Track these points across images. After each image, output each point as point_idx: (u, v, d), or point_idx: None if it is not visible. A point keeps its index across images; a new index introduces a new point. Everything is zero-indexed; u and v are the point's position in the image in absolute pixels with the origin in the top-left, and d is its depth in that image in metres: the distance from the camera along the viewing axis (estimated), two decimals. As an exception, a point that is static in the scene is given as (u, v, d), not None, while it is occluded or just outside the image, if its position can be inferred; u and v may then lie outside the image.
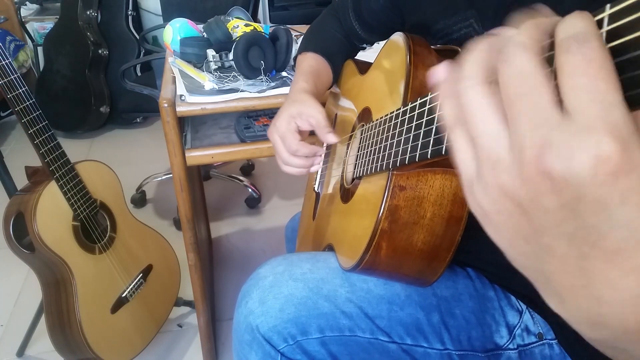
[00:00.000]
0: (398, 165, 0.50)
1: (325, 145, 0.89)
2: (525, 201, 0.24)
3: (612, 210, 0.21)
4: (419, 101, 0.46)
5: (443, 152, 0.39)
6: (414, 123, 0.46)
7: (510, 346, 0.67)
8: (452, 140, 0.28)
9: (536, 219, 0.24)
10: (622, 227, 0.22)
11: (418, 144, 0.44)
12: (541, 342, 0.67)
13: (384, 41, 0.69)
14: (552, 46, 0.24)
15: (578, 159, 0.21)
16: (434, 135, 0.41)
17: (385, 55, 0.69)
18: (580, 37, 0.22)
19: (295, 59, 0.92)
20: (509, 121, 0.24)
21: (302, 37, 0.94)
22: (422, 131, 0.44)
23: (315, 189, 0.92)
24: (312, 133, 0.77)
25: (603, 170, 0.20)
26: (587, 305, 0.24)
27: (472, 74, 0.26)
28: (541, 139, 0.22)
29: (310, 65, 0.85)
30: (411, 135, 0.46)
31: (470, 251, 0.67)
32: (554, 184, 0.22)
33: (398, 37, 0.62)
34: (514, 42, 0.24)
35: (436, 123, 0.41)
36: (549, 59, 0.24)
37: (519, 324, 0.68)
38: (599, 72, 0.21)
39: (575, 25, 0.22)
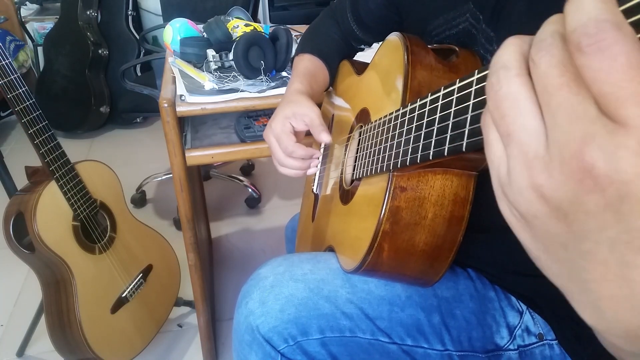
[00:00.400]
0: (399, 166, 0.49)
1: (322, 146, 0.89)
2: (565, 203, 0.22)
3: None
4: (418, 102, 0.46)
5: (445, 154, 0.39)
6: (415, 124, 0.46)
7: (511, 347, 0.67)
8: (485, 135, 0.26)
9: (576, 223, 0.22)
10: None
11: (419, 145, 0.44)
12: (541, 342, 0.67)
13: (382, 42, 0.69)
14: None
15: (622, 155, 0.19)
16: (435, 136, 0.40)
17: (382, 55, 0.68)
18: (590, 29, 0.20)
19: (292, 59, 0.93)
20: (545, 115, 0.22)
21: (300, 38, 0.94)
22: (422, 132, 0.44)
23: (314, 190, 0.92)
24: (308, 134, 0.77)
25: None
26: (628, 318, 0.22)
27: (511, 64, 0.24)
28: (582, 132, 0.20)
29: (305, 67, 0.85)
30: (412, 136, 0.46)
31: (470, 253, 0.67)
32: (597, 181, 0.20)
33: (395, 37, 0.62)
34: (551, 33, 0.22)
35: (437, 125, 0.41)
36: None
37: (519, 325, 0.68)
38: (627, 72, 0.19)
39: (584, 9, 0.20)
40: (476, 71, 0.35)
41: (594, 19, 0.19)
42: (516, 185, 0.23)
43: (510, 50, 0.25)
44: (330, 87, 0.93)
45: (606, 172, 0.20)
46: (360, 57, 0.93)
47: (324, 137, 0.72)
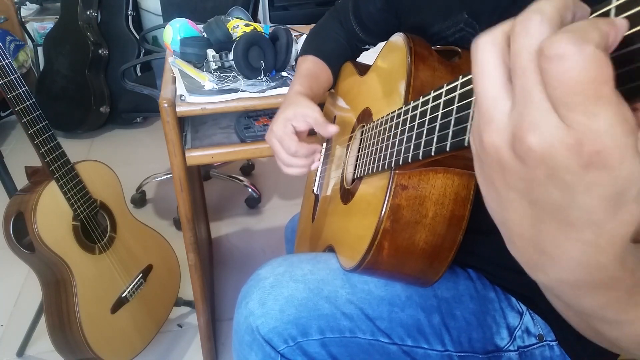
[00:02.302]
0: (401, 163, 0.49)
1: (324, 147, 0.89)
2: (505, 162, 0.26)
3: (575, 195, 0.24)
4: (421, 100, 0.46)
5: (447, 149, 0.39)
6: (417, 121, 0.46)
7: (511, 347, 0.67)
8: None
9: (509, 178, 0.27)
10: (580, 209, 0.25)
11: (421, 142, 0.44)
12: (541, 343, 0.67)
13: (385, 43, 0.69)
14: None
15: (557, 148, 0.23)
16: (438, 132, 0.41)
17: (385, 56, 0.69)
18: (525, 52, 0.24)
19: (296, 60, 0.93)
20: (513, 90, 0.25)
21: (304, 39, 0.94)
22: (425, 129, 0.44)
23: (314, 191, 0.92)
24: (310, 133, 0.77)
25: (578, 163, 0.23)
26: (531, 253, 0.29)
27: (492, 33, 0.27)
28: (533, 119, 0.24)
29: (307, 69, 0.85)
30: (414, 133, 0.46)
31: (471, 252, 0.67)
32: (534, 160, 0.24)
33: (398, 38, 0.62)
34: (536, 10, 0.24)
35: (439, 121, 0.41)
36: None
37: (519, 326, 0.68)
38: (577, 78, 0.22)
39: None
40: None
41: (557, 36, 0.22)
42: (478, 134, 0.28)
43: (503, 23, 0.28)
44: (333, 89, 0.93)
45: (541, 156, 0.24)
46: (363, 57, 0.93)
47: (331, 129, 0.73)
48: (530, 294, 0.68)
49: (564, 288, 0.30)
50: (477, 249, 0.68)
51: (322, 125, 0.73)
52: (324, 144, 0.90)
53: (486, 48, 0.27)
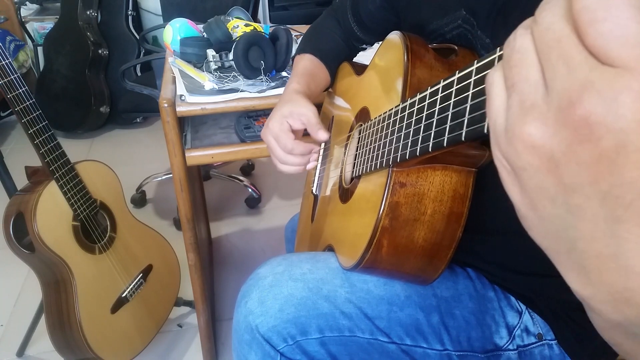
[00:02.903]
0: (399, 160, 0.50)
1: (322, 147, 0.89)
2: (557, 152, 0.21)
3: None
4: (418, 96, 0.46)
5: (444, 145, 0.39)
6: (414, 118, 0.46)
7: (510, 347, 0.67)
8: (488, 91, 0.26)
9: (567, 175, 0.21)
10: None
11: (418, 138, 0.44)
12: (541, 342, 0.67)
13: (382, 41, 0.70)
14: None
15: (622, 100, 0.19)
16: (435, 128, 0.41)
17: (383, 54, 0.69)
18: None
19: (293, 58, 0.93)
20: (546, 69, 0.22)
21: (302, 37, 0.94)
22: (422, 125, 0.44)
23: (314, 191, 0.92)
24: (305, 133, 0.77)
25: None
26: (614, 279, 0.22)
27: (529, 23, 0.24)
28: (582, 80, 0.20)
29: (304, 67, 0.85)
30: (411, 129, 0.47)
31: (470, 251, 0.67)
32: (593, 130, 0.20)
33: (395, 36, 0.62)
34: None
35: (436, 116, 0.41)
36: None
37: (518, 325, 0.68)
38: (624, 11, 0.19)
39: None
40: (475, 61, 0.35)
41: None
42: (509, 134, 0.23)
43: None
44: (330, 88, 0.93)
45: (604, 120, 0.19)
46: (360, 56, 0.93)
47: (322, 135, 0.73)
48: (530, 294, 0.68)
49: None
50: (477, 249, 0.68)
51: (314, 128, 0.73)
52: (322, 144, 0.90)
53: (526, 36, 0.23)
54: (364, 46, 0.91)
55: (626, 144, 0.19)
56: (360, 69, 0.81)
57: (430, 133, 0.41)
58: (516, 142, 0.23)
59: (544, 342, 0.67)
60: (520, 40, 0.24)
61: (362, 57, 0.91)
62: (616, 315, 0.23)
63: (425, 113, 0.43)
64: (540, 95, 0.22)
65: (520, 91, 0.23)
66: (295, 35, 1.21)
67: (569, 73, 0.20)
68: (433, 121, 0.41)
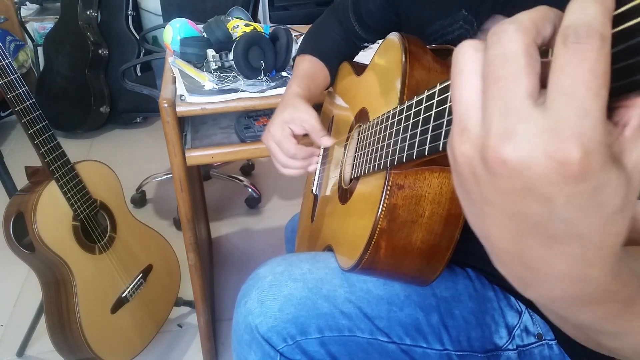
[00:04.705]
0: (396, 163, 0.50)
1: (322, 147, 0.89)
2: (479, 174, 0.25)
3: (556, 207, 0.23)
4: (415, 99, 0.46)
5: (440, 149, 0.39)
6: (411, 121, 0.46)
7: (510, 347, 0.67)
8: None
9: (485, 192, 0.25)
10: (561, 222, 0.23)
11: (415, 141, 0.44)
12: (540, 342, 0.67)
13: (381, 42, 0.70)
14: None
15: (536, 156, 0.22)
16: (431, 132, 0.41)
17: (381, 55, 0.69)
18: (581, 30, 0.21)
19: (294, 59, 0.93)
20: (483, 98, 0.24)
21: (302, 38, 0.94)
22: (418, 129, 0.44)
23: (313, 191, 0.92)
24: (306, 135, 0.77)
25: (558, 172, 0.21)
26: (519, 269, 0.27)
27: (476, 40, 0.26)
28: (506, 127, 0.22)
29: (304, 69, 0.85)
30: (408, 133, 0.47)
31: (469, 251, 0.67)
32: (509, 171, 0.23)
33: (393, 37, 0.62)
34: (512, 20, 0.23)
35: (432, 121, 0.41)
36: (548, 44, 0.24)
37: (518, 325, 0.68)
38: (585, 75, 0.21)
39: (585, 12, 0.21)
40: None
41: (586, 24, 0.21)
42: (451, 143, 0.27)
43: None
44: (331, 88, 0.93)
45: (517, 167, 0.22)
46: (361, 56, 0.93)
47: (326, 141, 0.73)
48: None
49: (557, 304, 0.28)
50: (476, 250, 0.68)
51: (317, 134, 0.74)
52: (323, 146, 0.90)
53: (467, 53, 0.26)
54: (366, 44, 0.91)
55: (533, 187, 0.23)
56: (360, 69, 0.81)
57: (427, 137, 0.41)
58: (455, 152, 0.26)
59: (543, 342, 0.67)
60: (462, 55, 0.26)
61: (363, 57, 0.91)
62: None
63: (422, 116, 0.43)
64: (473, 120, 0.25)
65: (454, 110, 0.26)
66: (295, 35, 1.21)
67: (499, 115, 0.23)
68: (429, 125, 0.41)
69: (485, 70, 0.24)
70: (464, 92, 0.25)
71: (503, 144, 0.22)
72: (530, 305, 0.69)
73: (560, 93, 0.21)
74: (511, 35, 0.23)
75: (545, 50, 0.24)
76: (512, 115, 0.22)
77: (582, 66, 0.21)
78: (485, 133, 0.23)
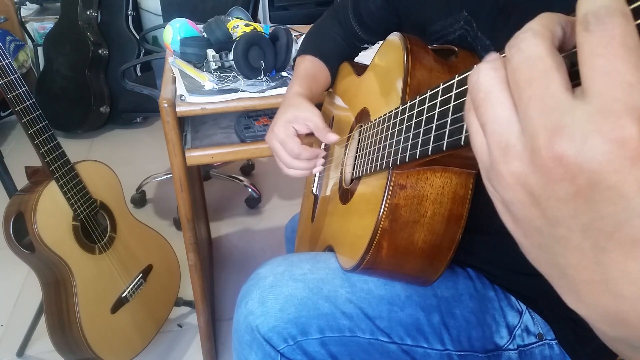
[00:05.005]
0: (398, 163, 0.50)
1: (322, 147, 0.89)
2: (537, 190, 0.23)
3: (630, 198, 0.20)
4: (417, 99, 0.46)
5: (444, 149, 0.39)
6: (414, 121, 0.46)
7: (511, 346, 0.67)
8: (468, 125, 0.27)
9: (549, 209, 0.23)
10: None
11: (418, 141, 0.44)
12: (541, 342, 0.67)
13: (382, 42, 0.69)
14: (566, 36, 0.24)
15: (592, 143, 0.20)
16: (434, 132, 0.41)
17: (382, 55, 0.69)
18: (600, 13, 0.20)
19: (295, 60, 0.93)
20: (518, 108, 0.23)
21: (302, 38, 0.94)
22: (422, 129, 0.44)
23: (314, 191, 0.92)
24: (308, 134, 0.77)
25: (620, 155, 0.20)
26: (606, 302, 0.23)
27: (489, 59, 0.26)
28: (552, 123, 0.21)
29: (305, 69, 0.85)
30: (411, 133, 0.46)
31: (471, 251, 0.67)
32: (567, 170, 0.21)
33: (395, 37, 0.62)
34: (526, 29, 0.24)
35: (436, 121, 0.41)
36: (561, 48, 0.24)
37: (519, 325, 0.68)
38: (618, 50, 0.20)
39: None
40: (475, 65, 0.35)
41: (604, 6, 0.21)
42: (496, 171, 0.24)
43: (495, 53, 0.26)
44: (331, 88, 0.93)
45: (576, 161, 0.20)
46: (361, 56, 0.93)
47: (331, 137, 0.72)
48: (530, 293, 0.68)
49: None
50: (476, 250, 0.68)
51: (322, 132, 0.73)
52: (322, 144, 0.90)
53: (488, 75, 0.25)
54: (366, 45, 0.91)
55: (599, 182, 0.20)
56: (360, 69, 0.81)
57: (430, 137, 0.41)
58: (501, 179, 0.24)
59: (544, 341, 0.67)
60: (483, 78, 0.25)
61: (363, 57, 0.91)
62: (614, 333, 0.24)
63: (424, 116, 0.43)
64: (514, 134, 0.23)
65: (492, 131, 0.24)
66: (295, 35, 1.21)
67: (541, 115, 0.22)
68: (432, 125, 0.41)
69: (514, 79, 0.23)
70: (499, 111, 0.24)
71: (554, 141, 0.21)
72: (531, 304, 0.69)
73: (598, 74, 0.20)
74: (530, 41, 0.23)
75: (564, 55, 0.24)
76: (555, 110, 0.21)
77: (613, 43, 0.20)
78: (531, 138, 0.22)
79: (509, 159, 0.23)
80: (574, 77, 0.23)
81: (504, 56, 0.25)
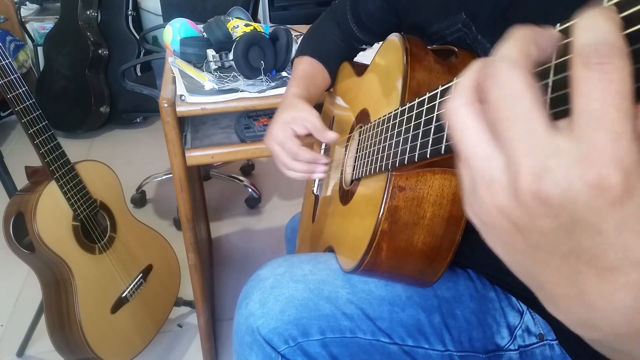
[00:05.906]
0: (397, 165, 0.49)
1: (322, 148, 0.89)
2: (521, 222, 0.24)
3: (608, 236, 0.22)
4: (416, 101, 0.46)
5: (442, 152, 0.39)
6: (413, 123, 0.46)
7: (511, 347, 0.67)
8: (455, 152, 0.27)
9: (531, 237, 0.24)
10: (617, 250, 0.22)
11: (417, 144, 0.44)
12: (542, 342, 0.67)
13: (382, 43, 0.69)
14: (544, 58, 0.23)
15: (577, 188, 0.21)
16: (433, 135, 0.40)
17: (382, 56, 0.69)
18: (602, 49, 0.20)
19: (292, 61, 0.93)
20: (501, 144, 0.24)
21: (301, 39, 0.94)
22: (420, 131, 0.43)
23: (314, 191, 0.92)
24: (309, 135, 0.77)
25: (602, 199, 0.21)
26: (580, 311, 0.25)
27: (460, 93, 0.26)
28: (536, 165, 0.22)
29: (304, 70, 0.85)
30: (410, 135, 0.46)
31: (469, 256, 0.67)
32: (551, 209, 0.22)
33: (394, 38, 0.62)
34: (501, 58, 0.23)
35: (435, 123, 0.40)
36: (542, 73, 0.24)
37: (519, 325, 0.68)
38: (614, 99, 0.20)
39: (599, 29, 0.21)
40: (445, 97, 0.35)
41: (605, 42, 0.20)
42: (480, 200, 0.25)
43: (464, 78, 0.26)
44: (331, 89, 0.93)
45: (560, 202, 0.21)
46: (360, 57, 0.93)
47: (330, 136, 0.72)
48: (530, 295, 0.68)
49: (622, 340, 0.26)
50: (476, 254, 0.68)
51: (321, 132, 0.73)
52: (323, 145, 0.90)
53: (461, 111, 0.25)
54: (364, 47, 0.91)
55: (580, 219, 0.22)
56: (360, 69, 0.81)
57: (429, 140, 0.41)
58: (485, 208, 0.25)
59: (545, 342, 0.67)
60: (456, 116, 0.25)
61: (363, 57, 0.91)
62: (588, 335, 0.26)
63: (423, 119, 0.43)
64: (498, 169, 0.24)
65: (474, 167, 0.25)
66: (295, 35, 1.21)
67: (526, 156, 0.22)
68: (431, 128, 0.41)
69: (494, 117, 0.23)
70: (479, 146, 0.24)
71: (540, 183, 0.22)
72: (531, 305, 0.69)
73: (592, 119, 0.21)
74: (506, 75, 0.23)
75: (539, 71, 0.24)
76: (539, 152, 0.22)
77: (610, 89, 0.20)
78: (515, 177, 0.23)
79: (493, 192, 0.24)
80: (556, 104, 0.23)
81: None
